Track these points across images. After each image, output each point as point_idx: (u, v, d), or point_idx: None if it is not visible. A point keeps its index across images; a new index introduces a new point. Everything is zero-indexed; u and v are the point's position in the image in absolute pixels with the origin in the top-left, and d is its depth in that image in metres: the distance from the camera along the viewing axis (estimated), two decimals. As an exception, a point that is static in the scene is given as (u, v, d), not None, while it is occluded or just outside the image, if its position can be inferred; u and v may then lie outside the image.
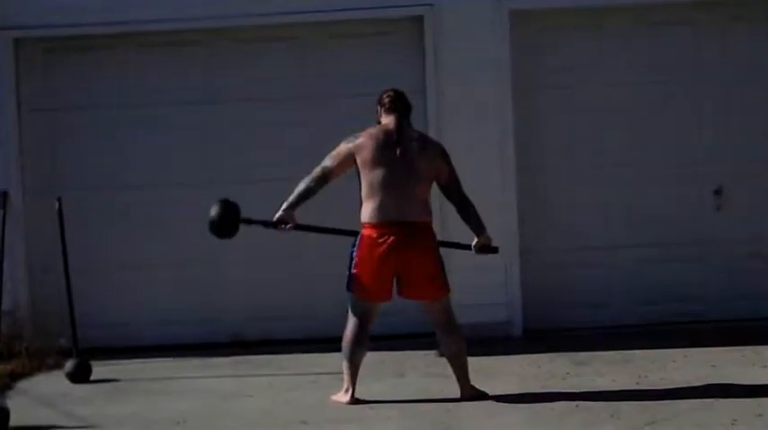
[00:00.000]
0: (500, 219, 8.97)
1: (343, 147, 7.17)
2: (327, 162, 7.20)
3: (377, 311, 7.20)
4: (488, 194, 8.86)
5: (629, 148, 9.34)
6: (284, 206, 7.20)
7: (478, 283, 8.80)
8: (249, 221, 7.30)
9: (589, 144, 9.32)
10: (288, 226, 7.23)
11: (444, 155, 7.22)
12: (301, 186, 7.20)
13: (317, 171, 7.20)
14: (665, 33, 9.27)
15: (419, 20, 9.07)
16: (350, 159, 7.14)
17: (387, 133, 7.12)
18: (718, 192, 9.33)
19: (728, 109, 9.32)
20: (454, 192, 7.21)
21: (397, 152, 7.05)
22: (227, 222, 7.30)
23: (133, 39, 9.21)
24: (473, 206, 7.22)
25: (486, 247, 7.29)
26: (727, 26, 9.26)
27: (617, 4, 9.14)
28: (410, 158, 7.06)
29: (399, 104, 7.21)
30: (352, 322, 7.18)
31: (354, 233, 7.15)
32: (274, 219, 7.19)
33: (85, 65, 9.30)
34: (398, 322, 8.50)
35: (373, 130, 7.17)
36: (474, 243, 7.27)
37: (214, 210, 7.29)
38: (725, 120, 9.32)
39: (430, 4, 9.02)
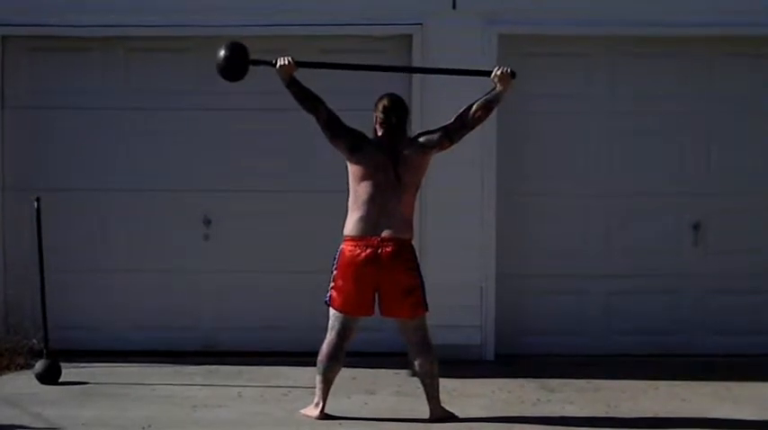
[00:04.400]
0: (478, 242, 9.00)
1: (346, 143, 7.13)
2: (335, 116, 7.20)
3: (356, 327, 7.18)
4: (468, 216, 8.93)
5: (610, 178, 9.36)
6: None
7: (453, 305, 8.79)
8: (257, 62, 7.29)
9: (570, 172, 9.34)
10: (291, 63, 7.25)
11: (427, 143, 7.13)
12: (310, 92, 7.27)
13: (320, 104, 7.23)
14: (651, 65, 9.29)
15: (408, 39, 9.08)
16: (340, 145, 7.14)
17: (378, 151, 7.09)
18: (696, 227, 9.36)
19: (711, 143, 9.35)
20: (456, 131, 7.15)
21: (387, 172, 7.04)
22: (235, 63, 7.26)
23: (121, 42, 9.19)
24: (471, 105, 7.18)
25: (504, 74, 7.18)
26: (712, 60, 9.29)
27: (605, 33, 9.15)
28: (398, 176, 7.04)
29: (394, 118, 7.15)
30: (330, 336, 7.17)
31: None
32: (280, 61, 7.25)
33: (72, 65, 9.26)
34: (372, 339, 8.47)
35: (366, 151, 7.12)
36: (492, 76, 7.22)
37: (222, 53, 7.26)
38: (707, 154, 9.36)
39: (419, 24, 9.03)
